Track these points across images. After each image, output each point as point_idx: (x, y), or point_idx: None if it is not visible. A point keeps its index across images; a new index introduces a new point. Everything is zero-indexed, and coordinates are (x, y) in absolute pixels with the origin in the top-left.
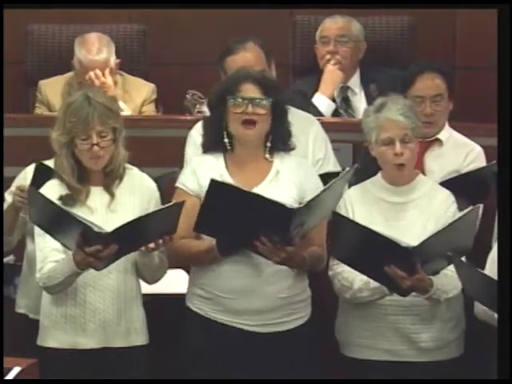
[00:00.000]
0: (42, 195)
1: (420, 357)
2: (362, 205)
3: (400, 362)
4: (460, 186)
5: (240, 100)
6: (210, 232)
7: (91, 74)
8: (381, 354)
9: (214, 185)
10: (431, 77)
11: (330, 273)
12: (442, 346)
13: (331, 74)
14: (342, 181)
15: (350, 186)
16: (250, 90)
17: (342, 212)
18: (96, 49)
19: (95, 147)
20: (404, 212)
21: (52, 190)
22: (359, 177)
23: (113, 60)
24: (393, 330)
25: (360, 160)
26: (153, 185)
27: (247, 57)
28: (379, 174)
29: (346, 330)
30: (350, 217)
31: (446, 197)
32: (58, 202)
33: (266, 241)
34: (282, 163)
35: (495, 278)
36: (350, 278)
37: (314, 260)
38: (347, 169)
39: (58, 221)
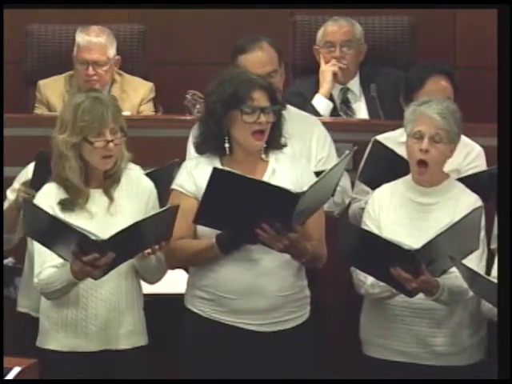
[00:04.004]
0: (38, 207)
1: (434, 360)
2: (390, 204)
3: (413, 364)
4: None
5: (253, 109)
6: (210, 223)
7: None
8: (395, 354)
9: (217, 173)
10: (439, 79)
11: (351, 268)
12: (458, 351)
13: (323, 74)
14: (341, 164)
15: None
16: (262, 99)
17: (369, 208)
18: (95, 33)
19: (110, 144)
20: (429, 213)
21: (50, 194)
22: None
23: (112, 53)
24: (409, 331)
25: (369, 156)
26: (150, 184)
27: (260, 56)
28: (410, 174)
29: (365, 328)
30: (377, 214)
31: (473, 201)
32: (57, 207)
33: (268, 228)
34: (277, 162)
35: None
36: None
37: (315, 253)
38: (346, 152)
39: (54, 232)
